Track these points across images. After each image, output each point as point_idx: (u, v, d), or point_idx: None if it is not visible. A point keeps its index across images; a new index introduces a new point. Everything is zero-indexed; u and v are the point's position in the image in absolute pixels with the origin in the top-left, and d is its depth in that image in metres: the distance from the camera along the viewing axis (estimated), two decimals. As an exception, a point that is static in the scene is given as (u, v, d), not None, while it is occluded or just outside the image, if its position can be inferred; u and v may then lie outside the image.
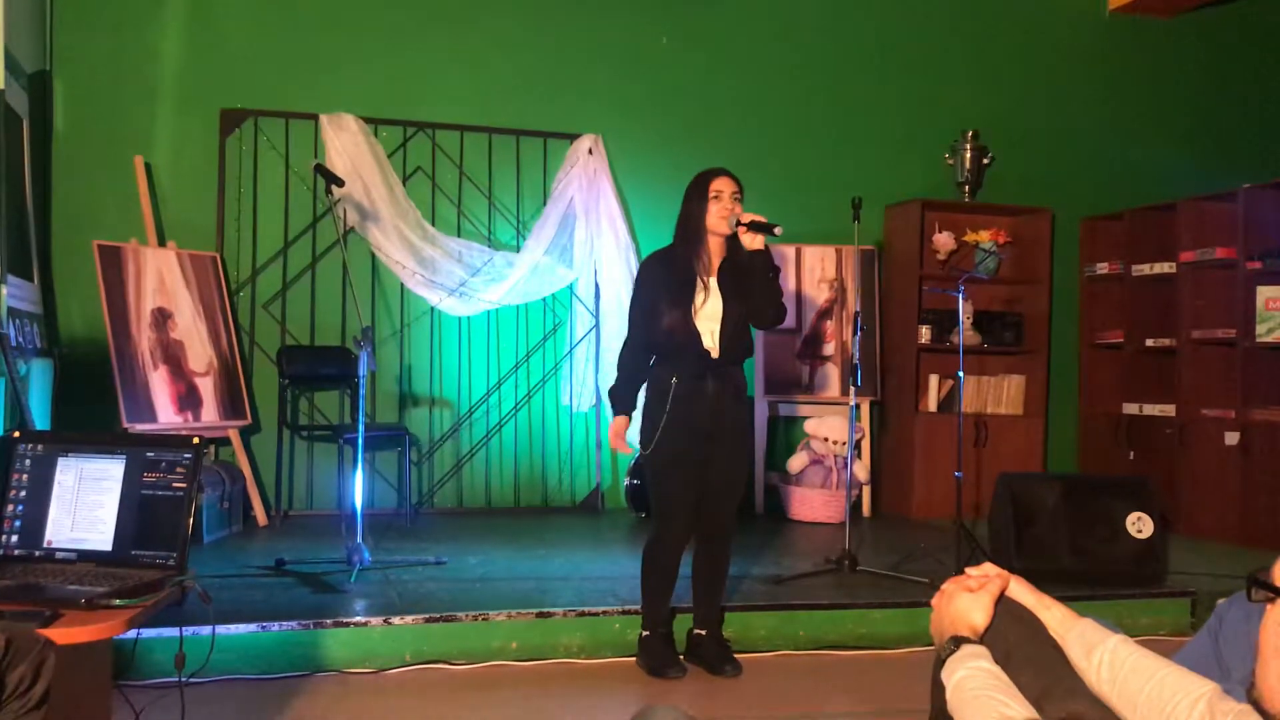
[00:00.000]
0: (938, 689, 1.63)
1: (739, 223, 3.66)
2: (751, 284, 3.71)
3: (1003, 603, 1.73)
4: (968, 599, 1.72)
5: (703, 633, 3.84)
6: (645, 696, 3.53)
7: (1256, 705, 1.26)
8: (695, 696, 3.54)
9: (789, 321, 6.61)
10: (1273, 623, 1.23)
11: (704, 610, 3.86)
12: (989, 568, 1.79)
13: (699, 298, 3.70)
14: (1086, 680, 1.62)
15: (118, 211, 5.77)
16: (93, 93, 5.85)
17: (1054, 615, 1.72)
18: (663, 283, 3.73)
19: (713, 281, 3.74)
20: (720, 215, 3.69)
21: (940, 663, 1.65)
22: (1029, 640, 1.69)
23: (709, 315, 3.71)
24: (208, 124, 6.01)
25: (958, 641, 1.65)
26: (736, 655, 3.82)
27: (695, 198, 3.75)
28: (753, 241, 3.66)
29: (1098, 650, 1.62)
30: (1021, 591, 1.76)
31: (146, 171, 5.80)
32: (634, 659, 3.84)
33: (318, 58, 6.19)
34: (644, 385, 3.84)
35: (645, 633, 3.80)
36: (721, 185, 3.72)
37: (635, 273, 6.34)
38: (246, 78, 6.06)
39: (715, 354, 3.71)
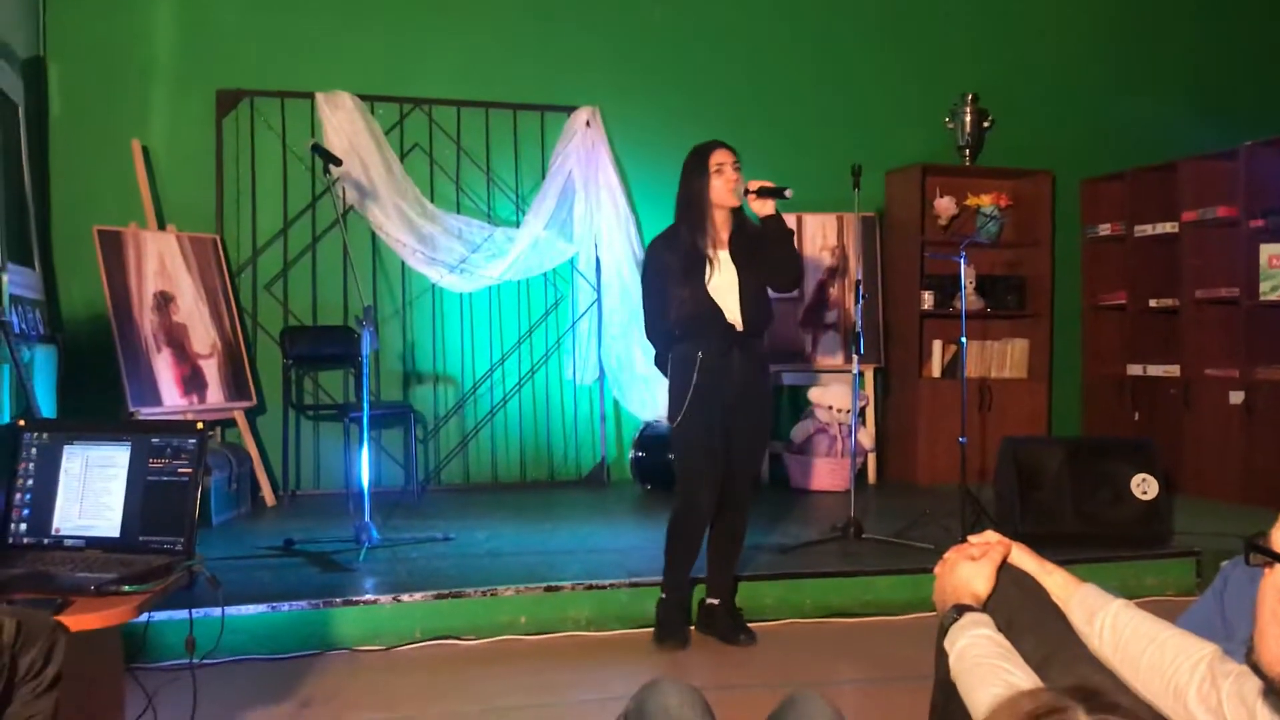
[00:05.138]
0: (941, 657, 1.64)
1: (747, 191, 3.64)
2: (766, 251, 3.69)
3: (1005, 570, 1.74)
4: (970, 567, 1.73)
5: (715, 602, 3.85)
6: (654, 667, 3.55)
7: (1255, 668, 1.27)
8: (704, 666, 3.57)
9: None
10: (1270, 587, 1.23)
11: (718, 579, 3.87)
12: (990, 535, 1.81)
13: (709, 272, 3.67)
14: (1089, 645, 1.63)
15: (116, 195, 5.75)
16: (87, 77, 5.82)
17: (1056, 581, 1.73)
18: (671, 265, 3.69)
19: (724, 255, 3.70)
20: (726, 188, 3.65)
21: (943, 631, 1.66)
22: (1031, 607, 1.70)
23: (725, 289, 3.68)
24: (204, 105, 5.99)
25: (961, 609, 1.67)
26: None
27: (695, 173, 3.70)
28: (764, 207, 3.65)
29: (1100, 615, 1.63)
30: (1023, 558, 1.78)
31: (144, 154, 5.79)
32: (642, 630, 3.85)
33: (312, 36, 6.15)
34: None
35: (663, 595, 3.81)
36: (722, 158, 3.68)
37: (634, 243, 6.40)
38: (241, 58, 6.02)
39: (740, 327, 3.69)
